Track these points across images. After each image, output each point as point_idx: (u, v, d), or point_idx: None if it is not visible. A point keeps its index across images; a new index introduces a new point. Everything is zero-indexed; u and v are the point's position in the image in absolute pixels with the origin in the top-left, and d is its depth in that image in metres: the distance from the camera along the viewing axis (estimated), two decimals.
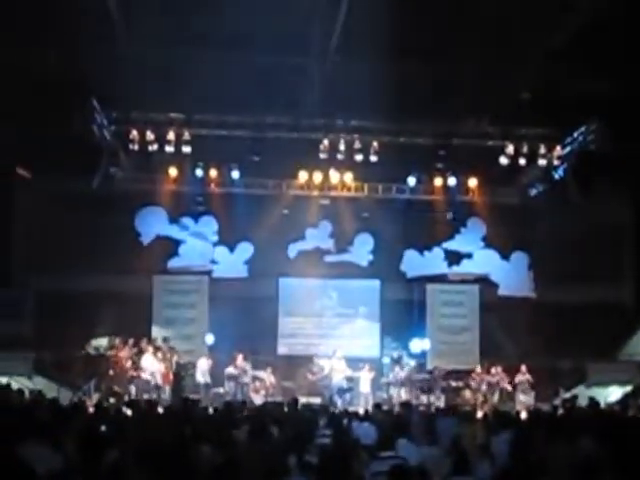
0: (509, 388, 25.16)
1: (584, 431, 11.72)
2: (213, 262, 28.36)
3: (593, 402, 17.73)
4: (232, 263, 28.26)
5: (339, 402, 24.29)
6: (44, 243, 25.18)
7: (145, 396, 22.83)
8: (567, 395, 24.62)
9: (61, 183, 25.16)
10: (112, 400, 21.72)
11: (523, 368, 25.16)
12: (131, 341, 24.97)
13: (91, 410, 15.75)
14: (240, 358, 25.03)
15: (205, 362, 25.35)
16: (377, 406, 17.50)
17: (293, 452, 9.31)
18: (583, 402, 20.58)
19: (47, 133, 22.18)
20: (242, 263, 28.25)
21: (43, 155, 23.52)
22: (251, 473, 8.20)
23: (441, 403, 24.13)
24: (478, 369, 25.96)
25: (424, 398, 25.33)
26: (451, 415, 15.90)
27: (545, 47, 20.06)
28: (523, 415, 18.21)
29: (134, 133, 24.20)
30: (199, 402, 18.61)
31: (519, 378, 25.10)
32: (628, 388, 24.92)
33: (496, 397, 25.20)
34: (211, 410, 17.12)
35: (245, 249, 28.25)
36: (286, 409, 16.81)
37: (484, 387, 25.42)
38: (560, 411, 18.25)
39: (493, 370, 25.56)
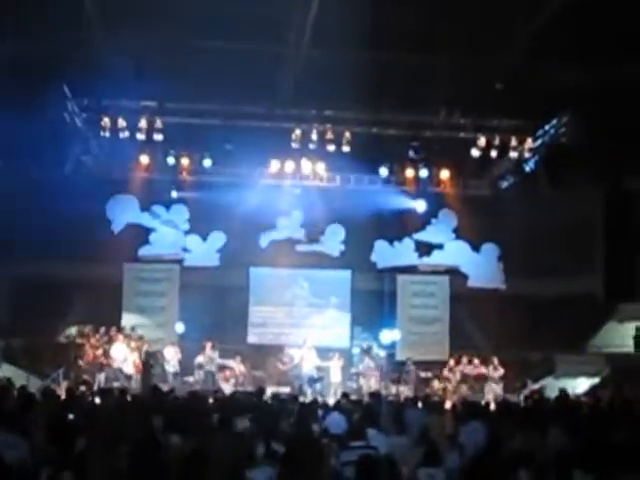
0: (477, 378, 25.32)
1: (553, 422, 11.81)
2: (185, 250, 28.31)
3: (562, 393, 17.85)
4: (204, 252, 28.24)
5: (309, 392, 24.34)
6: (14, 230, 24.96)
7: (115, 384, 22.73)
8: (535, 386, 24.81)
9: (32, 170, 24.94)
10: (82, 388, 21.62)
11: (495, 360, 25.29)
12: (102, 329, 24.89)
13: (60, 398, 15.68)
14: (209, 347, 24.99)
15: (172, 351, 25.29)
16: (344, 395, 17.52)
17: (260, 441, 9.33)
18: (552, 394, 20.76)
19: (18, 119, 21.97)
20: (214, 252, 28.22)
21: (14, 141, 23.30)
22: (219, 462, 8.20)
23: (410, 393, 24.18)
24: (451, 362, 26.06)
25: (393, 388, 25.42)
26: (420, 405, 15.99)
27: (517, 39, 20.14)
28: (492, 406, 18.33)
29: (106, 120, 24.06)
30: (171, 391, 18.49)
31: (490, 369, 25.25)
32: (596, 380, 25.10)
33: (465, 388, 25.33)
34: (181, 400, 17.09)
35: (217, 238, 28.21)
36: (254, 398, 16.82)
37: (454, 378, 25.55)
38: (528, 402, 18.38)
39: (464, 360, 25.71)
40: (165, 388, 19.41)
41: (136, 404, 15.04)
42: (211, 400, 16.33)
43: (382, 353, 26.86)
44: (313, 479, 7.73)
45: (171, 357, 25.16)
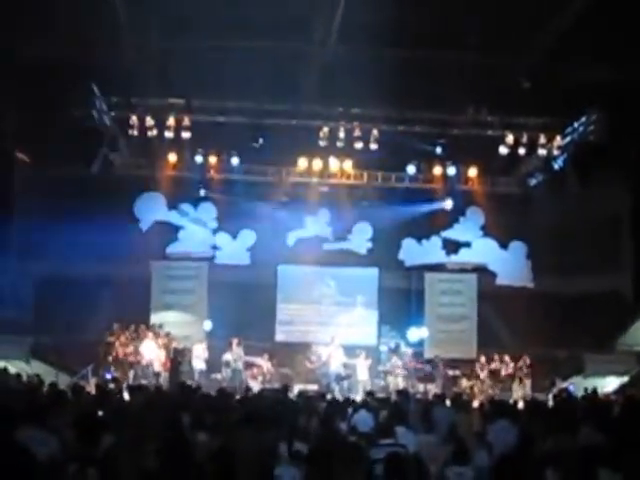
0: (505, 377, 25.26)
1: (583, 422, 11.74)
2: (215, 248, 28.36)
3: (592, 392, 17.78)
4: (235, 250, 28.30)
5: (336, 389, 24.34)
6: (43, 228, 25.12)
7: (143, 382, 22.84)
8: (563, 385, 24.69)
9: (61, 168, 25.09)
10: (111, 385, 21.74)
11: (519, 357, 25.22)
12: (131, 327, 25.02)
13: (89, 395, 15.78)
14: (237, 344, 25.05)
15: (201, 348, 25.39)
16: (370, 394, 17.50)
17: (284, 440, 9.35)
18: (580, 392, 20.69)
19: (47, 118, 22.14)
20: (245, 250, 28.27)
21: (43, 140, 23.50)
22: (246, 459, 8.22)
23: (438, 391, 24.11)
24: (481, 359, 25.98)
25: (421, 386, 25.39)
26: (448, 403, 15.95)
27: (546, 36, 20.04)
28: (520, 405, 18.25)
29: (134, 119, 24.19)
30: (198, 388, 18.55)
31: (515, 367, 25.19)
32: (625, 379, 24.95)
33: (493, 386, 25.26)
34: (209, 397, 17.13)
35: (247, 236, 28.25)
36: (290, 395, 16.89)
37: (482, 376, 25.48)
38: (557, 401, 18.28)
39: (495, 358, 25.65)
40: (192, 385, 19.50)
41: (164, 401, 15.09)
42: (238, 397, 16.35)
43: (410, 351, 26.81)
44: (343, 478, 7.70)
45: (199, 354, 25.26)
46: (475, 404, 18.15)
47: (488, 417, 13.23)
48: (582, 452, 8.69)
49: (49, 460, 7.58)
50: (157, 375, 24.30)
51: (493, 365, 25.58)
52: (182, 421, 10.66)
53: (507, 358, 25.62)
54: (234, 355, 24.91)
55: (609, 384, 24.82)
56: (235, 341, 25.02)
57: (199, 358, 25.22)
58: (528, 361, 25.08)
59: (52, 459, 7.77)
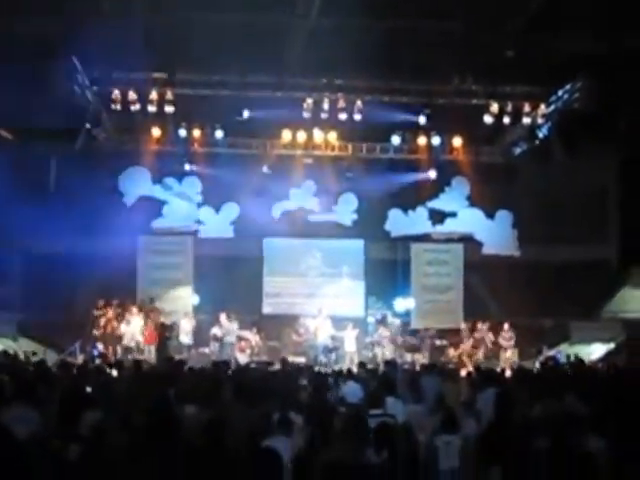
0: (492, 346, 25.41)
1: (569, 389, 11.81)
2: (199, 222, 28.30)
3: (577, 360, 17.88)
4: (218, 223, 28.22)
5: (325, 361, 24.43)
6: (28, 204, 24.99)
7: (130, 357, 22.87)
8: (550, 353, 24.84)
9: (44, 143, 24.95)
10: (98, 361, 21.76)
11: (506, 326, 25.41)
12: (115, 302, 25.00)
13: (77, 371, 15.78)
14: (224, 318, 25.09)
15: (188, 322, 25.41)
16: (361, 365, 17.57)
17: (276, 411, 9.36)
18: (566, 360, 20.81)
19: (29, 93, 21.94)
20: (228, 223, 28.20)
21: (25, 116, 23.30)
22: (236, 431, 8.23)
23: (425, 361, 24.22)
24: (462, 326, 26.18)
25: (408, 357, 25.49)
26: (435, 373, 16.01)
27: (530, 4, 19.96)
28: (507, 373, 18.36)
29: (116, 93, 24.00)
30: (185, 362, 18.59)
31: (502, 336, 25.34)
32: (611, 345, 25.10)
33: (480, 355, 25.41)
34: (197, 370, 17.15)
35: (231, 209, 28.18)
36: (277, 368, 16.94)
37: (468, 345, 25.62)
38: (544, 369, 18.39)
39: (479, 326, 25.77)
40: (181, 359, 19.54)
41: (151, 376, 15.10)
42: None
43: (397, 322, 26.90)
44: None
45: (187, 329, 25.27)
46: (463, 373, 18.22)
47: (476, 386, 13.30)
48: (568, 419, 8.75)
49: (30, 437, 7.57)
50: (144, 350, 24.32)
51: (475, 333, 25.75)
52: (169, 395, 10.67)
53: (484, 327, 25.79)
54: (224, 329, 24.94)
55: (595, 351, 24.99)
56: (224, 315, 25.05)
57: (186, 332, 25.23)
58: (507, 327, 25.29)
59: (33, 436, 7.75)
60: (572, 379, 14.30)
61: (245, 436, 8.37)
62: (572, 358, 21.35)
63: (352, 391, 12.80)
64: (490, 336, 25.58)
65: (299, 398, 11.32)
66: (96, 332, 24.47)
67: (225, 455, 7.37)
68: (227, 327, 24.98)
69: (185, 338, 25.23)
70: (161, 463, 6.90)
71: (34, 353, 21.19)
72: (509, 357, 25.02)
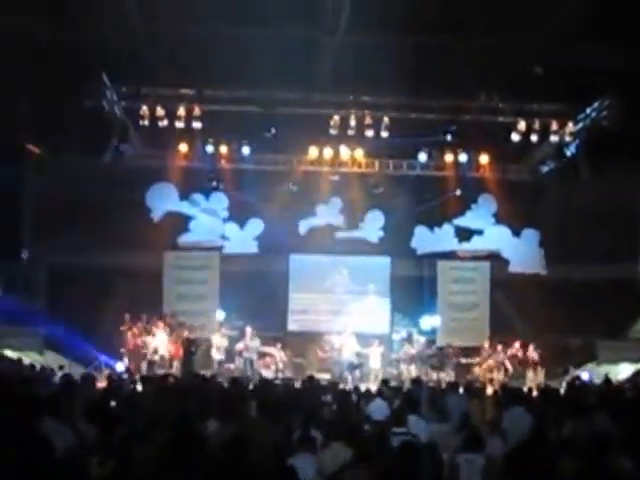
0: (518, 365, 25.30)
1: (597, 409, 11.72)
2: (224, 238, 28.34)
3: (606, 379, 17.75)
4: (242, 239, 28.23)
5: (349, 378, 24.37)
6: (55, 219, 25.16)
7: (157, 372, 22.90)
8: (575, 373, 24.66)
9: (72, 159, 25.11)
10: (124, 376, 21.79)
11: (531, 346, 25.26)
12: (143, 317, 25.07)
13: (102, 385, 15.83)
14: (250, 334, 25.09)
15: (219, 338, 25.44)
16: (384, 382, 17.52)
17: (299, 428, 9.34)
18: (594, 380, 20.66)
19: (58, 108, 22.12)
20: (252, 239, 28.20)
21: (54, 130, 23.48)
22: (259, 448, 8.20)
23: (451, 379, 24.11)
24: (486, 345, 26.06)
25: (434, 375, 25.39)
26: (461, 391, 15.92)
27: (558, 21, 19.90)
28: (534, 393, 18.21)
29: (144, 109, 24.15)
30: (210, 378, 18.59)
31: (528, 355, 25.22)
32: (639, 366, 24.88)
33: (505, 374, 25.28)
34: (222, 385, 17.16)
35: (255, 225, 28.21)
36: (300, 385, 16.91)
37: (493, 363, 25.49)
38: (570, 389, 18.23)
39: (500, 347, 25.68)
40: (207, 375, 19.54)
41: (175, 390, 15.11)
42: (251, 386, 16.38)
43: (422, 339, 26.80)
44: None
45: (218, 344, 25.30)
46: (489, 392, 18.11)
47: (502, 405, 13.22)
48: (595, 439, 8.67)
49: (67, 452, 7.57)
50: (170, 365, 24.36)
51: (501, 352, 25.65)
52: (191, 410, 10.66)
53: (517, 345, 25.69)
54: (248, 345, 24.94)
55: (622, 371, 24.77)
56: (250, 332, 25.07)
57: (218, 348, 25.26)
58: (532, 348, 25.20)
59: (69, 451, 7.76)
60: (600, 399, 14.15)
61: (268, 453, 8.34)
62: (600, 378, 21.18)
63: (378, 409, 12.76)
64: (516, 355, 25.48)
65: (323, 415, 11.28)
66: (122, 346, 24.55)
67: (248, 471, 7.34)
68: (248, 343, 24.98)
69: (216, 354, 25.26)
70: (183, 478, 6.88)
71: (61, 367, 21.26)
72: (535, 377, 24.87)
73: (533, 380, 24.47)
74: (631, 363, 25.11)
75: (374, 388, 17.69)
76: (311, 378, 17.81)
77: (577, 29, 19.86)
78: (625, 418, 10.75)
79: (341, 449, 8.50)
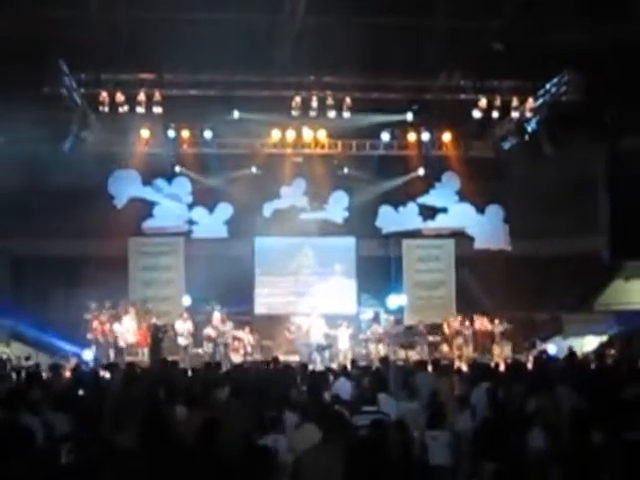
0: (485, 340, 25.54)
1: (562, 381, 11.83)
2: (191, 223, 28.25)
3: (570, 352, 17.91)
4: (212, 223, 28.18)
5: (318, 359, 24.41)
6: (17, 208, 24.93)
7: (125, 359, 22.81)
8: (542, 347, 24.92)
9: (32, 147, 24.83)
10: (92, 364, 21.72)
11: (496, 320, 25.52)
12: (108, 304, 24.92)
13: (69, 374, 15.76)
14: (217, 318, 25.03)
15: (183, 324, 25.31)
16: (353, 362, 17.59)
17: (270, 410, 9.36)
18: (561, 353, 20.86)
19: (16, 97, 21.85)
20: (222, 223, 28.16)
21: (12, 119, 23.19)
22: (231, 431, 8.22)
23: (419, 357, 24.21)
24: (453, 322, 26.23)
25: (402, 353, 25.51)
26: (429, 369, 16.01)
27: None
28: (501, 367, 18.38)
29: (104, 95, 23.90)
30: (178, 363, 18.56)
31: (494, 330, 25.46)
32: (604, 338, 25.14)
33: (472, 348, 25.50)
34: (190, 371, 17.13)
35: (224, 209, 28.14)
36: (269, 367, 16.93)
37: (461, 340, 25.68)
38: (537, 362, 18.41)
39: (467, 323, 25.89)
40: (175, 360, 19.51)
41: (143, 377, 15.08)
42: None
43: (390, 318, 26.89)
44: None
45: (183, 330, 25.19)
46: (457, 368, 18.22)
47: (470, 381, 13.31)
48: (571, 413, 8.77)
49: (41, 442, 7.57)
50: (137, 352, 24.28)
51: (466, 326, 25.90)
52: (159, 396, 10.65)
53: (485, 321, 25.91)
54: (218, 330, 24.87)
55: (589, 344, 25.03)
56: (217, 316, 25.00)
57: (183, 334, 25.14)
58: (497, 322, 25.48)
59: (38, 441, 7.74)
60: (564, 372, 14.30)
61: (240, 436, 8.36)
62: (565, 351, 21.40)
63: (344, 388, 12.80)
64: (481, 329, 25.75)
65: (293, 397, 11.31)
66: (89, 335, 24.41)
67: (219, 454, 7.36)
68: (221, 328, 24.92)
69: (182, 339, 25.14)
70: (153, 463, 6.88)
71: (27, 358, 21.14)
72: (502, 351, 25.10)
73: (500, 355, 24.69)
74: (596, 335, 25.37)
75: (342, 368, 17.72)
76: (276, 360, 17.82)
77: (535, 4, 19.90)
78: (589, 391, 10.88)
79: (313, 430, 8.53)
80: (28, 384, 12.03)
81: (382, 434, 8.00)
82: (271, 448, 7.39)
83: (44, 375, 15.35)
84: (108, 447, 7.46)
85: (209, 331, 24.89)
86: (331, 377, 14.40)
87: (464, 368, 17.88)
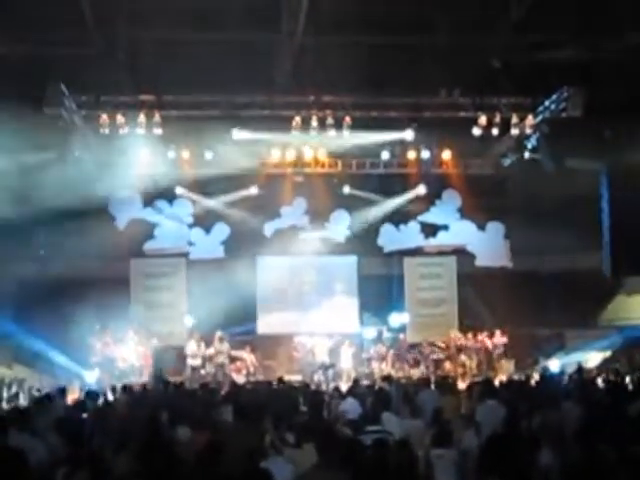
0: (487, 357, 25.57)
1: (567, 397, 11.81)
2: (190, 244, 28.27)
3: (576, 369, 17.91)
4: (208, 244, 28.19)
5: (322, 379, 24.37)
6: (18, 230, 24.91)
7: (126, 381, 22.75)
8: (546, 363, 24.88)
9: (32, 168, 24.83)
10: (95, 387, 21.67)
11: (497, 334, 25.54)
12: (110, 326, 24.91)
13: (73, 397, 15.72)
14: (219, 339, 25.03)
15: (194, 345, 25.31)
16: (355, 381, 17.56)
17: (272, 431, 9.32)
18: (565, 369, 20.83)
19: (16, 118, 21.88)
20: (218, 244, 28.17)
21: (12, 140, 23.21)
22: (233, 454, 8.17)
23: (422, 375, 24.14)
24: (455, 339, 26.24)
25: (405, 371, 25.48)
26: (433, 387, 15.98)
27: (513, 14, 20.01)
28: (505, 384, 18.32)
29: (104, 117, 23.94)
30: (182, 385, 18.54)
31: (497, 347, 25.46)
32: (607, 353, 25.11)
33: (475, 365, 25.48)
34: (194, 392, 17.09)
35: (221, 230, 28.17)
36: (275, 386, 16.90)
37: (464, 358, 25.67)
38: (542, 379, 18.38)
39: (469, 341, 25.92)
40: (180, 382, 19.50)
41: (145, 400, 15.06)
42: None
43: (392, 337, 26.88)
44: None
45: (193, 351, 25.19)
46: (461, 386, 18.19)
47: (475, 398, 13.27)
48: (579, 428, 8.73)
49: (37, 465, 7.51)
50: (140, 373, 24.25)
51: (468, 341, 25.93)
52: (160, 418, 10.61)
53: (487, 338, 25.93)
54: (218, 350, 24.87)
55: (592, 359, 24.99)
56: (219, 336, 25.01)
57: (193, 355, 25.15)
58: (498, 335, 25.52)
59: (40, 464, 7.70)
60: (569, 388, 14.27)
61: (242, 458, 8.31)
62: (569, 368, 21.39)
63: (352, 408, 12.78)
64: (483, 345, 25.77)
65: (295, 417, 11.26)
66: (92, 357, 24.38)
67: (222, 476, 7.32)
68: (221, 348, 24.92)
69: (192, 360, 25.15)
70: None
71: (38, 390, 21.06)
72: (505, 367, 25.07)
73: (503, 372, 24.65)
74: (599, 351, 25.34)
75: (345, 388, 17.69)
76: (281, 380, 17.81)
77: (532, 22, 19.96)
78: (596, 406, 10.84)
79: (313, 451, 8.49)
80: (31, 407, 12.00)
81: (384, 454, 7.96)
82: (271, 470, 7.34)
83: (46, 398, 15.32)
84: (105, 470, 7.42)
85: (211, 351, 24.91)
86: (337, 397, 14.39)
87: (468, 386, 17.82)
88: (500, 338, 25.73)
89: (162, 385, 18.33)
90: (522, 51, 21.58)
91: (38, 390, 17.62)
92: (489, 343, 25.92)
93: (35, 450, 8.44)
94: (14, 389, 19.27)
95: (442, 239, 29.03)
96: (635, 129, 23.65)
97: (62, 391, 15.99)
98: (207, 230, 28.23)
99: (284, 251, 28.19)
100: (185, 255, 28.17)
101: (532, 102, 25.05)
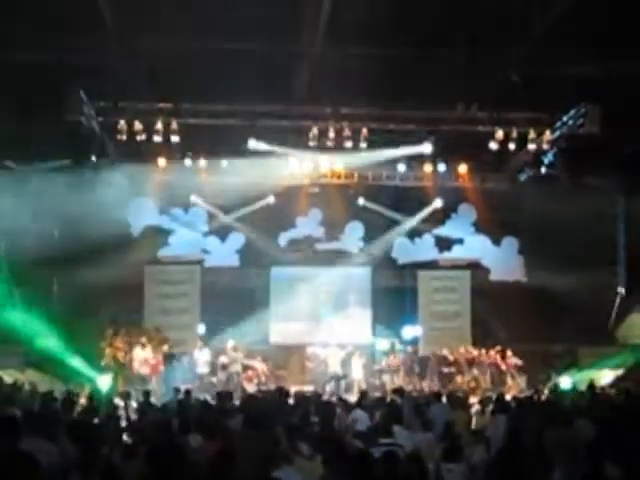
0: (499, 373, 25.48)
1: (579, 414, 11.76)
2: (204, 252, 28.33)
3: (587, 386, 17.83)
4: (224, 252, 28.24)
5: (334, 389, 24.36)
6: (33, 234, 24.98)
7: (137, 387, 22.80)
8: (558, 379, 24.77)
9: (50, 175, 24.94)
10: (107, 392, 21.69)
11: (509, 352, 25.46)
12: (122, 331, 24.95)
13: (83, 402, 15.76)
14: (231, 347, 25.06)
15: (201, 352, 25.37)
16: (363, 393, 17.50)
17: (283, 440, 9.32)
18: (577, 386, 20.73)
19: (35, 125, 22.00)
20: (234, 252, 28.25)
21: (31, 147, 23.35)
22: (245, 462, 8.18)
23: (434, 389, 24.11)
24: (468, 353, 26.18)
25: (416, 384, 25.43)
26: (444, 401, 15.95)
27: (533, 30, 19.97)
28: (518, 400, 18.26)
29: (122, 123, 24.03)
30: (190, 392, 18.53)
31: (509, 363, 25.38)
32: (620, 371, 24.99)
33: (487, 380, 25.40)
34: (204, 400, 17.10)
35: (236, 238, 28.24)
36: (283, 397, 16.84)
37: (476, 372, 25.59)
38: (552, 395, 18.32)
39: (482, 356, 25.83)
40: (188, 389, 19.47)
41: (156, 406, 15.09)
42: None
43: (405, 349, 26.85)
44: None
45: (201, 358, 25.23)
46: (472, 400, 18.14)
47: (486, 413, 13.26)
48: (587, 446, 8.70)
49: (49, 469, 7.52)
50: (152, 380, 24.27)
51: (482, 358, 25.83)
52: (172, 425, 10.63)
53: (499, 353, 25.87)
54: (229, 358, 24.91)
55: (605, 377, 24.87)
56: (231, 345, 25.04)
57: (201, 363, 25.20)
58: (510, 354, 25.48)
59: (52, 468, 7.72)
60: (581, 406, 14.22)
61: (253, 466, 8.32)
62: (581, 384, 21.28)
63: (360, 419, 12.77)
64: (495, 361, 25.67)
65: (307, 427, 11.26)
66: (104, 362, 24.43)
67: None
68: (233, 356, 24.95)
69: (200, 368, 25.20)
70: None
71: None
72: (516, 383, 25.00)
73: (515, 387, 24.57)
74: (612, 369, 25.22)
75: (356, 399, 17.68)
76: (282, 391, 17.77)
77: (552, 38, 19.92)
78: (608, 424, 10.79)
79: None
80: (43, 411, 12.03)
81: (394, 466, 7.95)
82: None
83: (59, 402, 15.35)
84: (117, 476, 7.44)
85: (224, 360, 24.93)
86: (346, 408, 14.37)
87: (480, 401, 17.77)
88: (513, 357, 25.63)
89: (173, 392, 18.36)
90: (540, 66, 21.52)
91: (50, 394, 17.56)
92: (501, 363, 25.83)
93: (47, 454, 8.46)
94: (26, 393, 19.25)
95: (457, 253, 29.04)
96: None
97: (73, 395, 16.06)
98: (222, 239, 28.30)
99: (298, 261, 28.22)
100: (200, 262, 28.22)
101: (550, 117, 25.03)
